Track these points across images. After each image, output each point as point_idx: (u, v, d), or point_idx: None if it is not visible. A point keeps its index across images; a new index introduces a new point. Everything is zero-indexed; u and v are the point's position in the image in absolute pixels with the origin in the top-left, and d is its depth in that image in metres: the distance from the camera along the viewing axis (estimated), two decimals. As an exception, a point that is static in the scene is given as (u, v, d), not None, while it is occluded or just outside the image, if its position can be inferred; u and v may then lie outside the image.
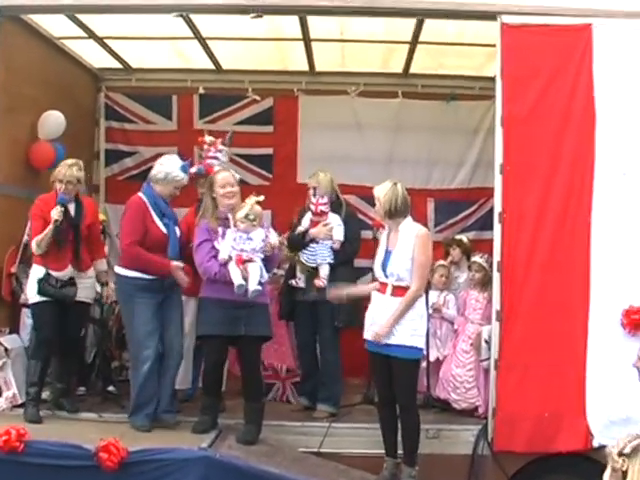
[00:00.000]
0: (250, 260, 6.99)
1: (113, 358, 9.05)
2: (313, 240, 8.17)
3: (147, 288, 7.33)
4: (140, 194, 7.55)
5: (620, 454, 2.52)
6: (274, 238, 7.27)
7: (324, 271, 8.09)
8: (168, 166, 7.58)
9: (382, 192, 6.89)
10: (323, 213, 8.16)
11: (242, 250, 7.00)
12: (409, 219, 7.00)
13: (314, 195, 8.22)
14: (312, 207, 8.18)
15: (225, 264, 7.00)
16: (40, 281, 7.47)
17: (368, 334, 6.98)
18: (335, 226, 8.15)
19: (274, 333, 8.60)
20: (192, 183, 8.06)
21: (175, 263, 7.31)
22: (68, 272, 7.52)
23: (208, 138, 8.51)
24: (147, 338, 7.34)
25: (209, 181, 7.45)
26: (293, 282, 8.31)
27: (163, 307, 7.45)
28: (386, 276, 6.89)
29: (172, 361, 7.53)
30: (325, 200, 8.17)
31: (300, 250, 8.26)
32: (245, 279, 6.92)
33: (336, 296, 7.46)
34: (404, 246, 6.84)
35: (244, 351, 7.30)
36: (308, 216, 8.25)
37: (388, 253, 6.92)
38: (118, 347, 9.18)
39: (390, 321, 6.74)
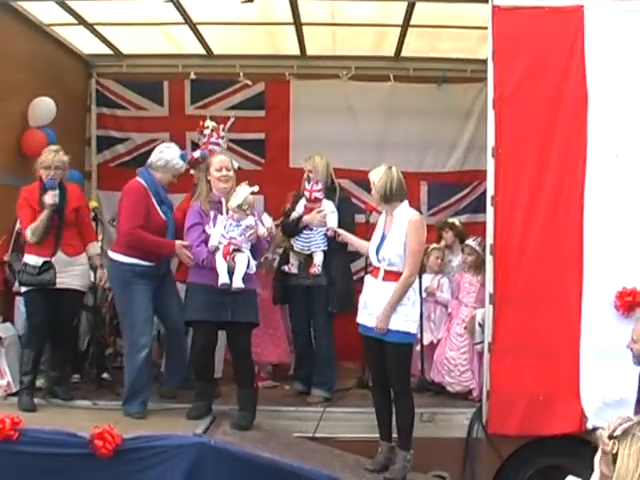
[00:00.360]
0: (239, 250, 6.97)
1: (107, 345, 9.06)
2: (307, 227, 8.14)
3: (144, 274, 7.34)
4: (139, 179, 7.53)
5: (610, 437, 2.51)
6: (262, 228, 7.25)
7: (318, 258, 8.06)
8: (168, 154, 7.60)
9: (377, 176, 6.86)
10: (317, 200, 8.10)
11: (232, 238, 6.98)
12: (405, 204, 6.96)
13: (308, 181, 8.16)
14: (306, 194, 8.12)
15: (214, 252, 6.98)
16: (19, 272, 7.49)
17: (361, 318, 6.98)
18: (329, 213, 8.09)
19: (270, 318, 8.69)
20: (189, 170, 8.07)
21: (179, 242, 7.28)
22: (55, 258, 7.48)
23: (210, 123, 8.47)
24: (145, 325, 7.37)
25: (206, 164, 7.45)
26: (286, 268, 8.28)
27: (160, 292, 7.50)
28: (378, 261, 6.89)
29: (179, 335, 7.70)
30: (319, 187, 8.11)
31: (293, 236, 8.23)
32: (231, 271, 6.90)
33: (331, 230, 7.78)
34: (397, 232, 6.82)
35: (232, 337, 7.32)
36: (302, 202, 8.20)
37: (383, 237, 6.91)
38: (112, 334, 9.21)
39: (387, 310, 6.73)
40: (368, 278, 7.06)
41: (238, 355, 7.30)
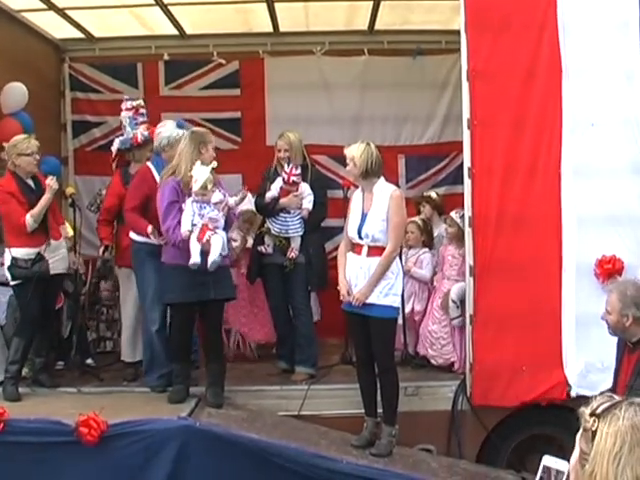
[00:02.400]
0: (213, 232, 6.94)
1: (87, 330, 9.04)
2: (283, 209, 8.12)
3: (153, 252, 7.42)
4: (148, 163, 7.71)
5: (592, 414, 2.52)
6: (231, 199, 7.26)
7: (296, 243, 8.10)
8: (166, 130, 7.68)
9: (358, 152, 6.84)
10: (295, 184, 8.07)
11: (210, 219, 6.95)
12: (382, 180, 6.99)
13: (288, 163, 8.09)
14: (284, 176, 8.06)
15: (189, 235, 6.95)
16: (10, 268, 7.45)
17: (345, 296, 6.99)
18: (306, 195, 8.09)
19: (255, 298, 8.69)
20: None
21: (150, 227, 7.37)
22: (42, 248, 7.47)
23: (135, 102, 8.42)
24: (153, 300, 7.58)
25: (198, 138, 7.21)
26: (262, 249, 8.24)
27: None
28: (361, 238, 6.89)
29: None
30: (298, 171, 8.07)
31: (269, 217, 8.22)
32: (205, 252, 6.88)
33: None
34: (378, 207, 6.83)
35: (210, 314, 7.32)
36: (278, 183, 8.14)
37: (364, 215, 6.91)
38: (93, 319, 9.25)
39: (369, 283, 6.76)
40: (350, 255, 7.04)
41: (211, 330, 7.36)
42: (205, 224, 6.93)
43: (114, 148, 8.34)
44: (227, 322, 8.67)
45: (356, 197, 7.09)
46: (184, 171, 7.06)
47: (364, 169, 6.84)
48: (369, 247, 6.85)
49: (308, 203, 8.08)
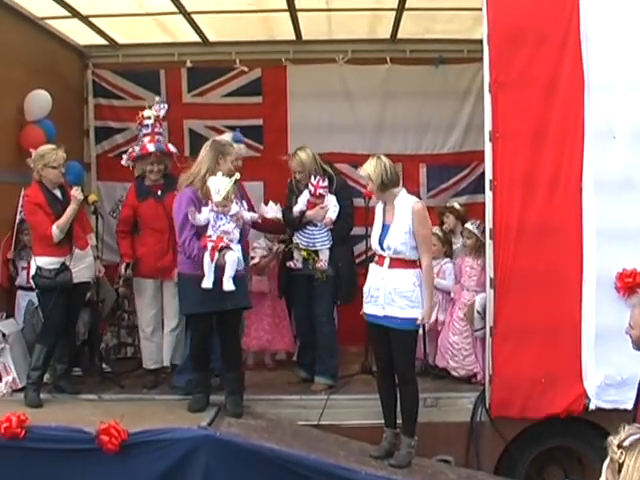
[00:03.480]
0: (228, 247, 6.93)
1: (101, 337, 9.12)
2: (310, 222, 8.12)
3: None
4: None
5: (619, 446, 2.52)
6: (247, 213, 7.29)
7: (324, 254, 8.09)
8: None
9: (371, 168, 6.88)
10: (322, 196, 8.07)
11: (224, 232, 6.96)
12: (403, 191, 7.01)
13: (315, 176, 8.08)
14: (311, 189, 8.06)
15: (204, 246, 6.94)
16: (34, 277, 7.53)
17: (367, 307, 7.02)
18: (331, 206, 8.07)
19: (277, 309, 8.71)
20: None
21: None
22: (67, 258, 7.53)
23: (151, 113, 8.41)
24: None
25: (218, 148, 7.24)
26: (291, 264, 8.23)
27: None
28: (382, 249, 6.91)
29: None
30: (325, 183, 8.06)
31: (296, 230, 8.22)
32: (220, 267, 6.89)
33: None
34: (400, 220, 6.85)
35: (228, 324, 7.31)
36: (305, 196, 8.12)
37: (386, 227, 6.92)
38: (114, 325, 9.38)
39: (428, 303, 6.83)
40: (373, 267, 7.06)
41: (229, 339, 7.35)
42: (220, 237, 6.93)
43: (124, 162, 8.45)
44: (249, 331, 8.74)
45: (379, 209, 7.11)
46: (203, 180, 7.08)
47: (380, 182, 6.86)
48: (391, 259, 6.87)
49: (332, 213, 8.07)
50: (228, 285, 6.85)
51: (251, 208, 7.94)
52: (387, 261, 6.90)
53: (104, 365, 8.68)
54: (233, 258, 6.90)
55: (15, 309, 8.40)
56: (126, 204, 8.42)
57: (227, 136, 8.04)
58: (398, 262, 6.85)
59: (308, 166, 8.12)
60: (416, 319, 6.90)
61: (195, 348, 7.52)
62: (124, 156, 8.46)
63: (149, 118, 8.33)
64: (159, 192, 8.19)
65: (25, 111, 8.75)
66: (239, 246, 7.10)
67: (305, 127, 10.21)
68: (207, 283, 6.85)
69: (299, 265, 8.20)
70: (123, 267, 8.27)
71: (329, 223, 8.07)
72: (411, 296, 6.82)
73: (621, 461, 2.50)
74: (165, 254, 7.93)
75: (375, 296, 6.92)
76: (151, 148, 8.16)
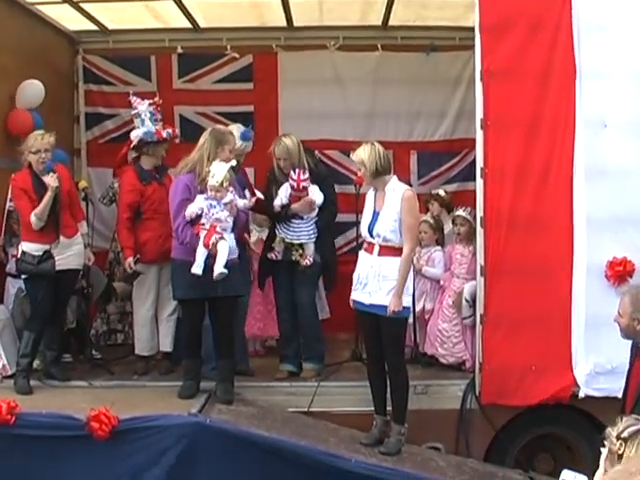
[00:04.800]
0: (221, 237, 6.94)
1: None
2: (295, 215, 7.97)
3: None
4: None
5: (618, 437, 2.53)
6: (241, 201, 7.24)
7: (310, 249, 7.96)
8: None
9: (365, 155, 6.86)
10: (305, 189, 7.94)
11: (217, 219, 6.97)
12: (394, 178, 7.00)
13: (294, 170, 7.94)
14: (293, 184, 7.90)
15: (197, 234, 6.97)
16: (17, 260, 7.52)
17: (356, 294, 7.02)
18: (316, 193, 7.96)
19: (269, 294, 8.62)
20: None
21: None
22: (52, 245, 7.51)
23: (156, 98, 8.44)
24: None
25: (218, 137, 7.28)
26: (273, 256, 8.07)
27: None
28: (372, 236, 6.91)
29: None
30: (307, 175, 7.92)
31: (279, 223, 8.09)
32: (212, 255, 6.90)
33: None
34: (390, 207, 6.85)
35: (219, 311, 7.32)
36: (287, 190, 7.97)
37: (376, 214, 6.92)
38: (102, 311, 9.41)
39: (398, 290, 6.76)
40: (362, 254, 7.06)
41: (221, 327, 7.34)
42: (213, 226, 6.95)
43: (134, 135, 8.19)
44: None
45: (369, 195, 7.10)
46: (201, 167, 7.12)
47: (374, 169, 6.86)
48: (380, 246, 6.87)
49: (318, 197, 7.95)
50: (219, 276, 6.86)
51: (253, 194, 7.98)
52: (376, 248, 6.89)
53: (94, 352, 8.67)
54: (225, 247, 6.91)
55: (5, 295, 8.36)
56: (129, 190, 8.17)
57: (234, 128, 8.03)
58: (387, 250, 6.85)
59: (293, 153, 7.97)
60: (407, 307, 6.92)
61: (186, 335, 7.54)
62: (140, 134, 8.16)
63: (153, 104, 8.32)
64: (157, 175, 8.21)
65: (17, 99, 8.71)
66: (232, 235, 7.10)
67: (296, 114, 10.19)
68: (197, 269, 6.88)
69: (280, 257, 8.04)
70: (132, 262, 8.05)
71: (313, 207, 7.95)
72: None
73: (620, 452, 2.51)
74: (169, 237, 7.78)
75: (364, 284, 6.92)
76: (163, 134, 8.18)
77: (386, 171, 6.94)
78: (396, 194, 6.87)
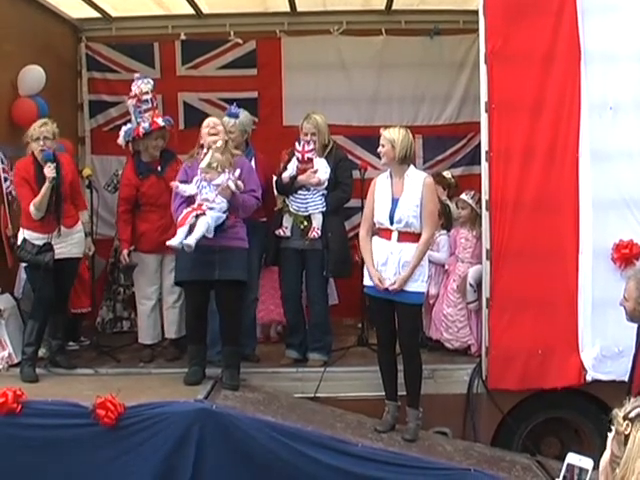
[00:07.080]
0: (202, 213, 6.98)
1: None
2: (302, 187, 7.95)
3: None
4: None
5: (625, 417, 2.52)
6: (232, 184, 7.15)
7: (317, 221, 7.88)
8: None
9: (400, 137, 6.88)
10: (310, 160, 7.93)
11: (205, 199, 7.02)
12: (412, 166, 7.02)
13: (299, 142, 7.97)
14: (298, 155, 7.91)
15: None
16: (17, 248, 7.51)
17: (369, 280, 6.97)
18: (322, 167, 7.91)
19: (274, 279, 8.56)
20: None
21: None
22: (52, 235, 7.48)
23: (140, 87, 8.33)
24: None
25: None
26: (281, 232, 8.02)
27: None
28: (392, 223, 6.88)
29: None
30: (311, 147, 7.91)
31: (288, 196, 8.08)
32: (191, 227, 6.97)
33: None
34: (411, 193, 6.85)
35: (220, 295, 7.33)
36: (294, 162, 7.98)
37: (395, 200, 6.89)
38: (108, 299, 9.48)
39: (409, 272, 6.77)
40: (378, 240, 7.01)
41: (225, 312, 7.34)
42: (199, 204, 7.01)
43: (120, 140, 8.28)
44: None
45: (382, 182, 7.04)
46: (197, 154, 7.34)
47: (403, 155, 6.87)
48: (400, 232, 6.84)
49: (323, 174, 7.90)
50: (189, 241, 6.90)
51: (262, 180, 7.93)
52: (395, 235, 6.86)
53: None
54: (203, 223, 6.95)
55: (16, 281, 8.35)
56: (125, 184, 8.21)
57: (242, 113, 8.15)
58: (407, 235, 6.84)
59: (322, 128, 8.01)
60: (422, 292, 6.95)
61: (189, 319, 7.55)
62: (121, 134, 8.30)
63: (147, 93, 8.25)
64: (158, 168, 8.16)
65: (19, 86, 8.67)
66: (224, 215, 7.10)
67: (300, 99, 10.13)
68: (174, 240, 6.97)
69: (287, 233, 7.99)
70: (126, 254, 8.14)
71: (320, 183, 7.91)
72: (418, 270, 6.83)
73: (627, 433, 2.49)
74: (168, 229, 7.76)
75: (382, 270, 6.89)
76: (162, 122, 8.14)
77: (411, 160, 6.99)
78: (416, 180, 6.89)
